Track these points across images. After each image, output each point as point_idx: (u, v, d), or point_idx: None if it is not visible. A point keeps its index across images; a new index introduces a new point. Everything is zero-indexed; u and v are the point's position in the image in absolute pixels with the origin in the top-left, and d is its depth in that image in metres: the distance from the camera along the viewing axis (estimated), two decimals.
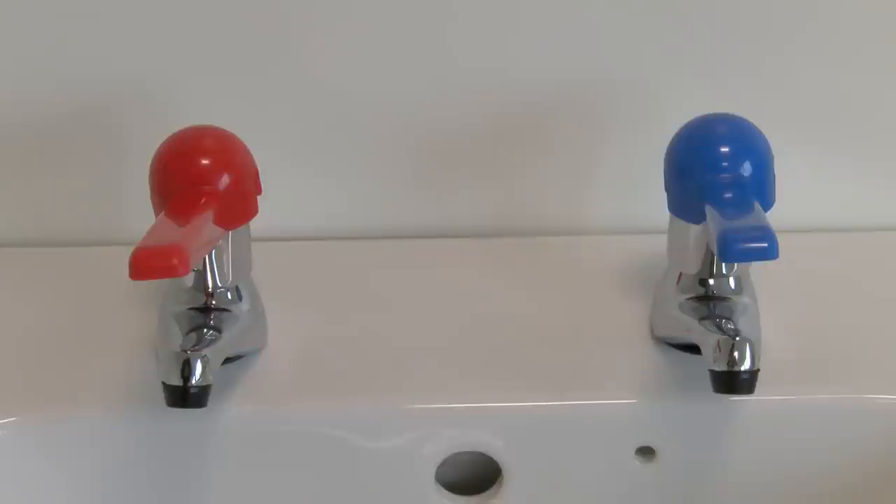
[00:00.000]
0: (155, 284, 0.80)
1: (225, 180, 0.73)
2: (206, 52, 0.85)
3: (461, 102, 0.87)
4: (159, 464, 0.76)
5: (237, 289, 0.77)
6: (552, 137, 0.88)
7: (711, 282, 0.76)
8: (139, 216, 0.78)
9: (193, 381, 0.69)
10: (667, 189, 0.76)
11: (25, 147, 0.87)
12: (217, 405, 0.75)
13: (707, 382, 0.70)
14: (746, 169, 0.73)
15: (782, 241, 0.67)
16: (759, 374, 0.70)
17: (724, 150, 0.74)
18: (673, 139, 0.76)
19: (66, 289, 0.84)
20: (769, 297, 0.78)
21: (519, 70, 0.86)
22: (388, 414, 0.76)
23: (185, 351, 0.70)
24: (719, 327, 0.72)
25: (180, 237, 0.68)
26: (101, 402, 0.76)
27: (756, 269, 0.77)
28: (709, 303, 0.76)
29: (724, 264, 0.76)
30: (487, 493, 0.79)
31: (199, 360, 0.69)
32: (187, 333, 0.73)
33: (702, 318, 0.74)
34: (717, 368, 0.70)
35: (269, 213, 0.79)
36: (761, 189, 0.73)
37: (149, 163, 0.75)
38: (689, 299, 0.76)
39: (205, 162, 0.73)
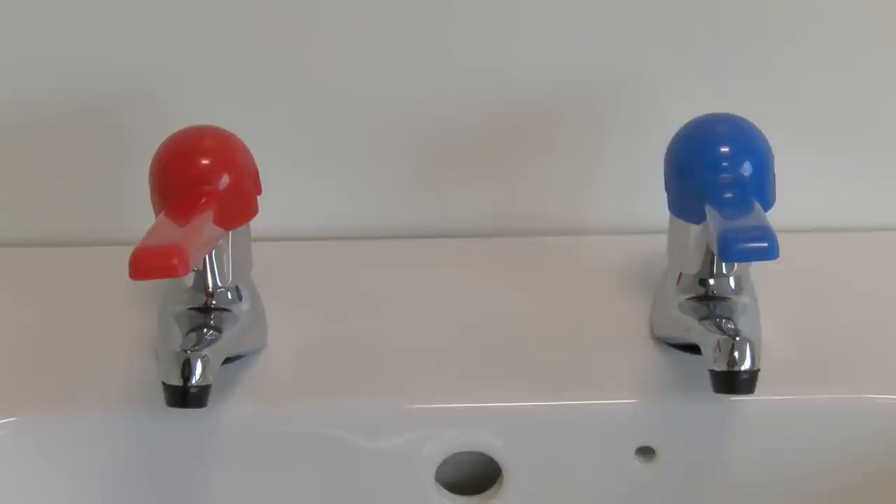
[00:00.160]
0: (155, 284, 0.80)
1: (225, 180, 0.73)
2: (206, 53, 0.85)
3: (461, 102, 0.87)
4: (159, 464, 0.76)
5: (237, 289, 0.77)
6: (552, 137, 0.88)
7: (711, 282, 0.76)
8: (139, 216, 0.78)
9: (193, 381, 0.69)
10: (667, 189, 0.76)
11: (25, 147, 0.87)
12: (217, 405, 0.75)
13: (707, 382, 0.70)
14: (746, 169, 0.73)
15: (782, 241, 0.67)
16: (759, 374, 0.70)
17: (724, 150, 0.74)
18: (673, 139, 0.76)
19: (66, 289, 0.84)
20: (769, 297, 0.78)
21: (519, 70, 0.86)
22: (388, 414, 0.76)
23: (185, 351, 0.70)
24: (719, 327, 0.72)
25: (180, 237, 0.68)
26: (101, 402, 0.76)
27: (756, 269, 0.77)
28: (709, 303, 0.76)
29: (724, 264, 0.76)
30: (487, 493, 0.79)
31: (199, 360, 0.69)
32: (187, 333, 0.73)
33: (702, 318, 0.74)
34: (717, 368, 0.70)
35: (269, 213, 0.79)
36: (761, 189, 0.73)
37: (149, 163, 0.75)
38: (689, 299, 0.76)
39: (205, 162, 0.73)
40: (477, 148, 0.88)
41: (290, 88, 0.86)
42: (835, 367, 0.78)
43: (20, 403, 0.76)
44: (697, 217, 0.73)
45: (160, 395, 0.70)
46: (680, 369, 0.77)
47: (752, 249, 0.67)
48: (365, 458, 0.76)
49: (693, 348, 0.75)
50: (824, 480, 0.78)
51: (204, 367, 0.69)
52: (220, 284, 0.76)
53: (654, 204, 0.79)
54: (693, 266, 0.76)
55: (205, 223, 0.71)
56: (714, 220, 0.70)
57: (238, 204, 0.74)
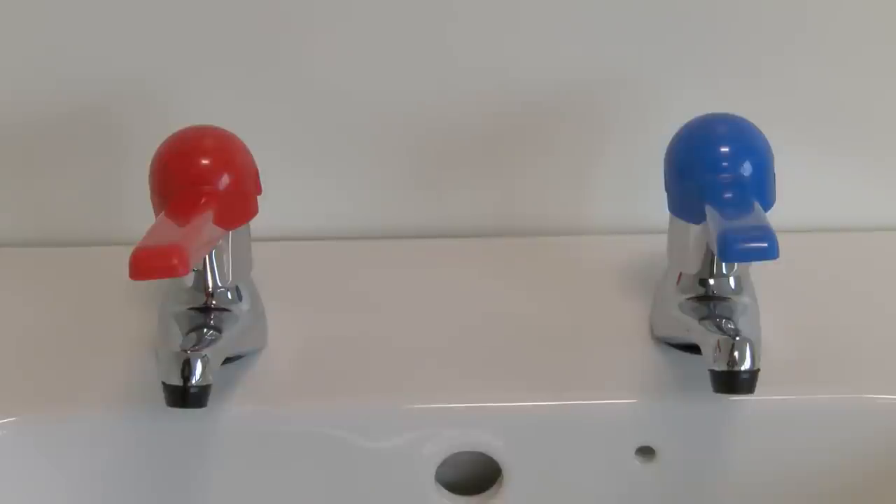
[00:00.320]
0: (155, 284, 0.80)
1: (225, 180, 0.73)
2: (207, 52, 0.85)
3: (461, 102, 0.87)
4: (159, 464, 0.76)
5: (237, 289, 0.77)
6: (552, 137, 0.88)
7: (711, 282, 0.76)
8: (139, 216, 0.78)
9: (193, 381, 0.69)
10: (667, 189, 0.76)
11: (25, 147, 0.88)
12: (217, 405, 0.75)
13: (707, 382, 0.70)
14: (746, 169, 0.73)
15: (782, 241, 0.67)
16: (759, 374, 0.70)
17: (724, 150, 0.74)
18: (673, 139, 0.76)
19: (66, 289, 0.84)
20: (769, 297, 0.78)
21: (519, 70, 0.86)
22: (388, 414, 0.76)
23: (185, 351, 0.70)
24: (719, 327, 0.72)
25: (180, 237, 0.68)
26: (101, 402, 0.76)
27: (756, 269, 0.77)
28: (709, 303, 0.76)
29: (724, 264, 0.76)
30: (487, 493, 0.79)
31: (199, 360, 0.69)
32: (187, 333, 0.73)
33: (702, 318, 0.74)
34: (717, 368, 0.70)
35: (269, 213, 0.79)
36: (761, 189, 0.73)
37: (149, 163, 0.75)
38: (689, 299, 0.76)
39: (205, 162, 0.73)
40: (477, 148, 0.88)
41: (290, 88, 0.86)
42: (835, 367, 0.78)
43: (20, 403, 0.76)
44: (697, 217, 0.73)
45: (160, 395, 0.70)
46: (680, 369, 0.77)
47: (752, 249, 0.67)
48: (365, 458, 0.76)
49: (693, 348, 0.75)
50: (824, 480, 0.78)
51: (204, 367, 0.69)
52: (220, 284, 0.76)
53: (654, 204, 0.79)
54: (693, 266, 0.76)
55: (205, 223, 0.71)
56: (714, 220, 0.70)
57: (238, 204, 0.74)
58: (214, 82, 0.86)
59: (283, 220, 0.89)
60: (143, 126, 0.85)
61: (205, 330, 0.74)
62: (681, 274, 0.77)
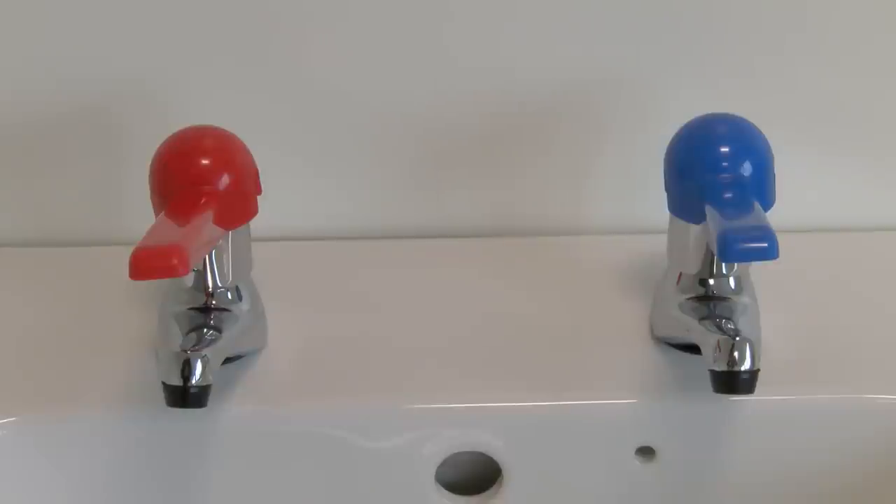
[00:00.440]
0: (155, 284, 0.80)
1: (225, 180, 0.73)
2: (206, 53, 0.85)
3: (460, 102, 0.87)
4: (159, 464, 0.76)
5: (237, 289, 0.77)
6: (551, 137, 0.88)
7: (711, 282, 0.76)
8: (139, 216, 0.78)
9: (193, 381, 0.69)
10: (667, 189, 0.76)
11: (25, 147, 0.88)
12: (217, 405, 0.75)
13: (707, 382, 0.70)
14: (746, 169, 0.73)
15: (782, 241, 0.67)
16: (759, 374, 0.70)
17: (724, 150, 0.74)
18: (673, 139, 0.76)
19: (66, 289, 0.84)
20: (769, 297, 0.78)
21: (518, 70, 0.86)
22: (388, 414, 0.76)
23: (185, 351, 0.70)
24: (719, 327, 0.72)
25: (180, 237, 0.68)
26: (101, 402, 0.76)
27: (756, 269, 0.77)
28: (709, 303, 0.76)
29: (724, 264, 0.76)
30: (487, 493, 0.79)
31: (199, 360, 0.69)
32: (187, 333, 0.73)
33: (702, 318, 0.74)
34: (717, 368, 0.70)
35: (269, 213, 0.79)
36: (761, 189, 0.73)
37: (149, 163, 0.75)
38: (689, 299, 0.76)
39: (205, 162, 0.73)
40: (476, 148, 0.88)
41: (290, 88, 0.86)
42: (835, 367, 0.78)
43: (20, 403, 0.76)
44: (697, 217, 0.73)
45: (160, 395, 0.70)
46: (680, 369, 0.77)
47: (752, 249, 0.67)
48: (365, 458, 0.76)
49: (693, 348, 0.75)
50: (824, 480, 0.78)
51: (204, 367, 0.69)
52: (220, 284, 0.76)
53: (654, 204, 0.79)
54: (693, 266, 0.76)
55: (205, 223, 0.71)
56: (714, 220, 0.70)
57: (238, 204, 0.74)
58: (214, 82, 0.86)
59: (283, 220, 0.89)
60: (143, 126, 0.85)
61: (205, 330, 0.74)
62: (681, 274, 0.77)
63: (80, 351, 0.79)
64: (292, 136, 0.87)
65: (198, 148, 0.74)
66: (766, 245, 0.67)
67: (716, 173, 0.73)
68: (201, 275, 0.75)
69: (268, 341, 0.80)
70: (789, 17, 0.85)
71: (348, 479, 0.77)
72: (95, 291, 0.84)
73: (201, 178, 0.73)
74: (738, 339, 0.70)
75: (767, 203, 0.74)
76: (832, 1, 0.84)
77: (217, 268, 0.75)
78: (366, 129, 0.87)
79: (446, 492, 0.79)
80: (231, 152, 0.74)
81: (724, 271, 0.76)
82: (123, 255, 0.67)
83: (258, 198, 0.76)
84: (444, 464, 0.77)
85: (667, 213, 0.77)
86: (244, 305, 0.77)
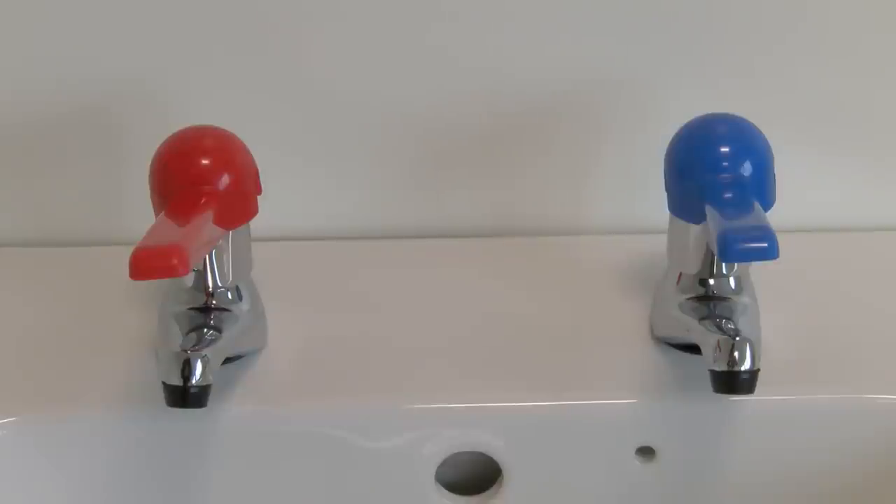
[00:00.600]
0: (155, 284, 0.80)
1: (225, 180, 0.73)
2: (206, 53, 0.85)
3: (460, 102, 0.87)
4: (159, 464, 0.76)
5: (237, 289, 0.77)
6: (551, 137, 0.88)
7: (711, 282, 0.76)
8: (139, 216, 0.78)
9: (193, 381, 0.69)
10: (667, 189, 0.76)
11: (25, 147, 0.88)
12: (217, 405, 0.75)
13: (707, 382, 0.70)
14: (746, 169, 0.73)
15: (782, 241, 0.67)
16: (759, 374, 0.70)
17: (724, 150, 0.74)
18: (673, 139, 0.76)
19: (66, 289, 0.84)
20: (769, 297, 0.78)
21: (518, 70, 0.86)
22: (388, 414, 0.76)
23: (186, 351, 0.70)
24: (719, 327, 0.72)
25: (180, 237, 0.68)
26: (101, 402, 0.76)
27: (756, 269, 0.77)
28: (709, 303, 0.76)
29: (724, 264, 0.76)
30: (487, 493, 0.79)
31: (199, 360, 0.69)
32: (187, 333, 0.73)
33: (702, 318, 0.74)
34: (717, 368, 0.70)
35: (269, 213, 0.79)
36: (761, 189, 0.73)
37: (149, 163, 0.75)
38: (689, 299, 0.76)
39: (205, 162, 0.73)
40: (476, 148, 0.88)
41: (290, 89, 0.86)
42: (835, 367, 0.78)
43: (20, 403, 0.76)
44: (697, 217, 0.73)
45: (160, 395, 0.70)
46: (680, 369, 0.77)
47: (752, 249, 0.67)
48: (365, 458, 0.76)
49: (693, 348, 0.75)
50: (824, 480, 0.78)
51: (204, 367, 0.69)
52: (220, 284, 0.76)
53: (654, 204, 0.79)
54: (693, 266, 0.76)
55: (205, 223, 0.71)
56: (714, 220, 0.70)
57: (238, 204, 0.74)
58: (214, 82, 0.86)
59: (283, 220, 0.89)
60: (143, 126, 0.85)
61: (205, 330, 0.74)
62: (681, 274, 0.77)
63: (80, 351, 0.79)
64: (292, 136, 0.88)
65: (198, 148, 0.74)
66: (766, 245, 0.67)
67: (716, 173, 0.73)
68: (201, 275, 0.75)
69: (268, 341, 0.80)
70: (789, 17, 0.85)
71: (348, 479, 0.77)
72: (95, 291, 0.84)
73: (201, 178, 0.73)
74: (738, 339, 0.70)
75: (767, 203, 0.74)
76: (832, 1, 0.84)
77: (217, 268, 0.75)
78: (366, 129, 0.87)
79: (446, 492, 0.79)
80: (231, 152, 0.74)
81: (724, 271, 0.76)
82: (123, 255, 0.67)
83: (258, 198, 0.76)
84: (444, 464, 0.77)
85: (667, 213, 0.77)
86: (244, 305, 0.77)
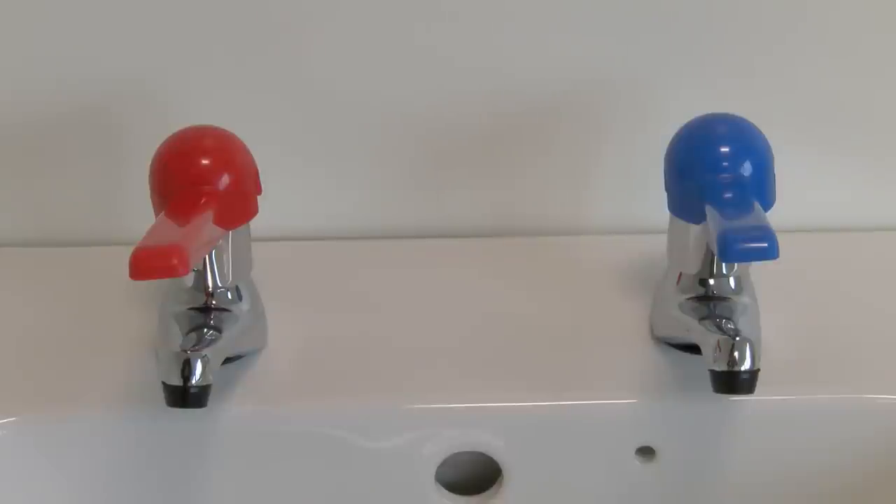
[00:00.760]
0: (155, 284, 0.80)
1: (225, 180, 0.73)
2: (206, 53, 0.85)
3: (460, 103, 0.87)
4: (159, 464, 0.76)
5: (237, 289, 0.77)
6: (551, 137, 0.88)
7: (711, 282, 0.76)
8: (139, 216, 0.78)
9: (193, 381, 0.69)
10: (667, 189, 0.76)
11: (25, 147, 0.88)
12: (217, 405, 0.75)
13: (707, 382, 0.70)
14: (746, 169, 0.73)
15: (782, 241, 0.67)
16: (759, 374, 0.70)
17: (725, 150, 0.74)
18: (673, 139, 0.76)
19: (66, 289, 0.84)
20: (769, 297, 0.78)
21: (518, 70, 0.86)
22: (388, 414, 0.76)
23: (185, 351, 0.70)
24: (719, 327, 0.72)
25: (180, 237, 0.68)
26: (101, 402, 0.76)
27: (756, 269, 0.77)
28: (709, 303, 0.76)
29: (724, 264, 0.76)
30: (487, 493, 0.79)
31: (199, 360, 0.69)
32: (187, 333, 0.73)
33: (702, 318, 0.74)
34: (717, 368, 0.70)
35: (269, 213, 0.79)
36: (761, 189, 0.73)
37: (149, 163, 0.75)
38: (689, 299, 0.76)
39: (205, 162, 0.73)
40: (476, 148, 0.88)
41: (290, 89, 0.86)
42: (835, 367, 0.78)
43: (20, 403, 0.76)
44: (697, 217, 0.73)
45: (160, 395, 0.70)
46: (680, 369, 0.77)
47: (752, 249, 0.67)
48: (365, 458, 0.76)
49: (693, 348, 0.75)
50: (824, 480, 0.78)
51: (204, 367, 0.69)
52: (220, 284, 0.76)
53: (654, 204, 0.79)
54: (693, 266, 0.76)
55: (205, 223, 0.71)
56: (714, 220, 0.70)
57: (238, 204, 0.74)
58: (214, 82, 0.86)
59: (283, 220, 0.89)
60: (143, 126, 0.85)
61: (205, 330, 0.74)
62: (681, 274, 0.77)
63: (80, 351, 0.79)
64: (292, 136, 0.88)
65: (198, 148, 0.74)
66: (766, 245, 0.67)
67: (716, 173, 0.73)
68: (201, 275, 0.75)
69: (268, 341, 0.80)
70: (789, 17, 0.85)
71: (348, 479, 0.77)
72: (95, 291, 0.84)
73: (201, 178, 0.73)
74: (738, 339, 0.70)
75: (767, 203, 0.74)
76: (832, 1, 0.84)
77: (217, 268, 0.75)
78: (366, 129, 0.87)
79: (446, 492, 0.79)
80: (231, 152, 0.74)
81: (724, 271, 0.76)
82: (123, 255, 0.67)
83: (258, 198, 0.76)
84: (444, 464, 0.77)
85: (667, 213, 0.77)
86: (244, 305, 0.77)
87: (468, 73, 0.86)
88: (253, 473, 0.77)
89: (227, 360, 0.75)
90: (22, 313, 0.83)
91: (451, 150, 0.88)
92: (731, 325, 0.73)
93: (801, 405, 0.77)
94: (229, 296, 0.76)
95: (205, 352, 0.70)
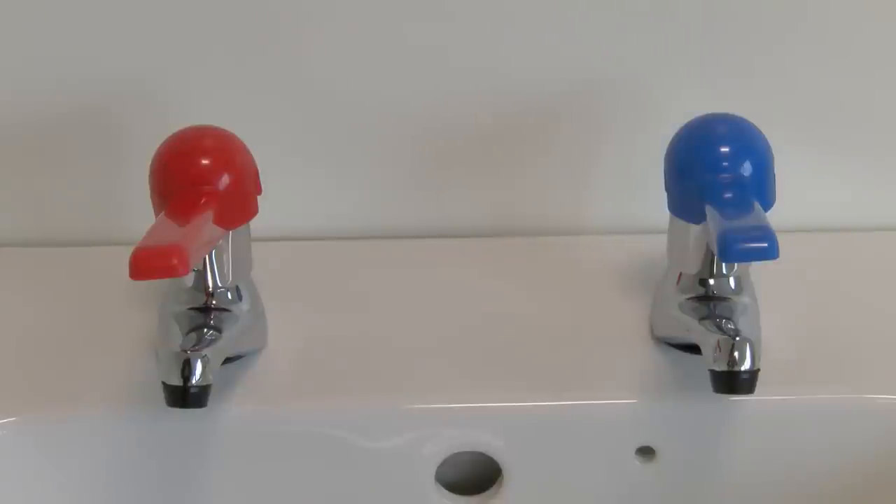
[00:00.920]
0: (155, 284, 0.80)
1: (225, 180, 0.73)
2: (206, 53, 0.85)
3: (460, 103, 0.87)
4: (159, 464, 0.76)
5: (237, 289, 0.77)
6: (551, 137, 0.88)
7: (711, 282, 0.76)
8: (139, 216, 0.78)
9: (193, 381, 0.69)
10: (667, 189, 0.76)
11: (25, 147, 0.88)
12: (217, 405, 0.75)
13: (707, 382, 0.70)
14: (746, 169, 0.73)
15: (782, 241, 0.67)
16: (759, 374, 0.70)
17: (724, 150, 0.74)
18: (673, 139, 0.76)
19: (66, 289, 0.84)
20: (769, 297, 0.78)
21: (518, 70, 0.86)
22: (388, 414, 0.76)
23: (185, 351, 0.70)
24: (719, 327, 0.72)
25: (180, 237, 0.68)
26: (101, 402, 0.76)
27: (756, 269, 0.77)
28: (709, 303, 0.76)
29: (724, 264, 0.76)
30: (487, 493, 0.79)
31: (199, 360, 0.69)
32: (187, 333, 0.73)
33: (702, 318, 0.74)
34: (717, 368, 0.70)
35: (269, 213, 0.79)
36: (761, 189, 0.73)
37: (149, 163, 0.75)
38: (689, 299, 0.76)
39: (205, 162, 0.73)
40: (476, 148, 0.88)
41: (290, 89, 0.86)
42: (835, 367, 0.78)
43: (20, 403, 0.76)
44: (697, 217, 0.73)
45: (160, 395, 0.70)
46: (680, 369, 0.77)
47: (752, 249, 0.67)
48: (365, 458, 0.76)
49: (693, 348, 0.75)
50: (824, 480, 0.78)
51: (204, 367, 0.69)
52: (220, 284, 0.76)
53: (654, 204, 0.79)
54: (693, 266, 0.76)
55: (205, 223, 0.71)
56: (714, 220, 0.70)
57: (238, 204, 0.74)
58: (214, 82, 0.86)
59: (283, 220, 0.89)
60: (143, 126, 0.85)
61: (205, 330, 0.74)
62: (681, 274, 0.77)
63: (80, 351, 0.79)
64: (292, 136, 0.88)
65: (198, 148, 0.74)
66: (766, 245, 0.67)
67: (716, 173, 0.73)
68: (201, 275, 0.75)
69: (268, 341, 0.80)
70: (789, 17, 0.85)
71: (348, 479, 0.77)
72: (95, 291, 0.84)
73: (201, 178, 0.73)
74: (738, 339, 0.70)
75: (767, 203, 0.74)
76: (832, 1, 0.84)
77: (217, 268, 0.75)
78: (366, 129, 0.87)
79: (446, 492, 0.79)
80: (231, 152, 0.74)
81: (724, 271, 0.76)
82: (123, 255, 0.67)
83: (258, 198, 0.76)
84: (444, 464, 0.77)
85: (667, 213, 0.77)
86: (244, 305, 0.77)
87: (468, 73, 0.86)
88: (253, 473, 0.77)
89: (227, 360, 0.76)
90: (22, 313, 0.83)
91: (451, 150, 0.88)
92: (731, 325, 0.73)
93: (801, 405, 0.77)
94: (229, 296, 0.76)
95: (205, 352, 0.70)
